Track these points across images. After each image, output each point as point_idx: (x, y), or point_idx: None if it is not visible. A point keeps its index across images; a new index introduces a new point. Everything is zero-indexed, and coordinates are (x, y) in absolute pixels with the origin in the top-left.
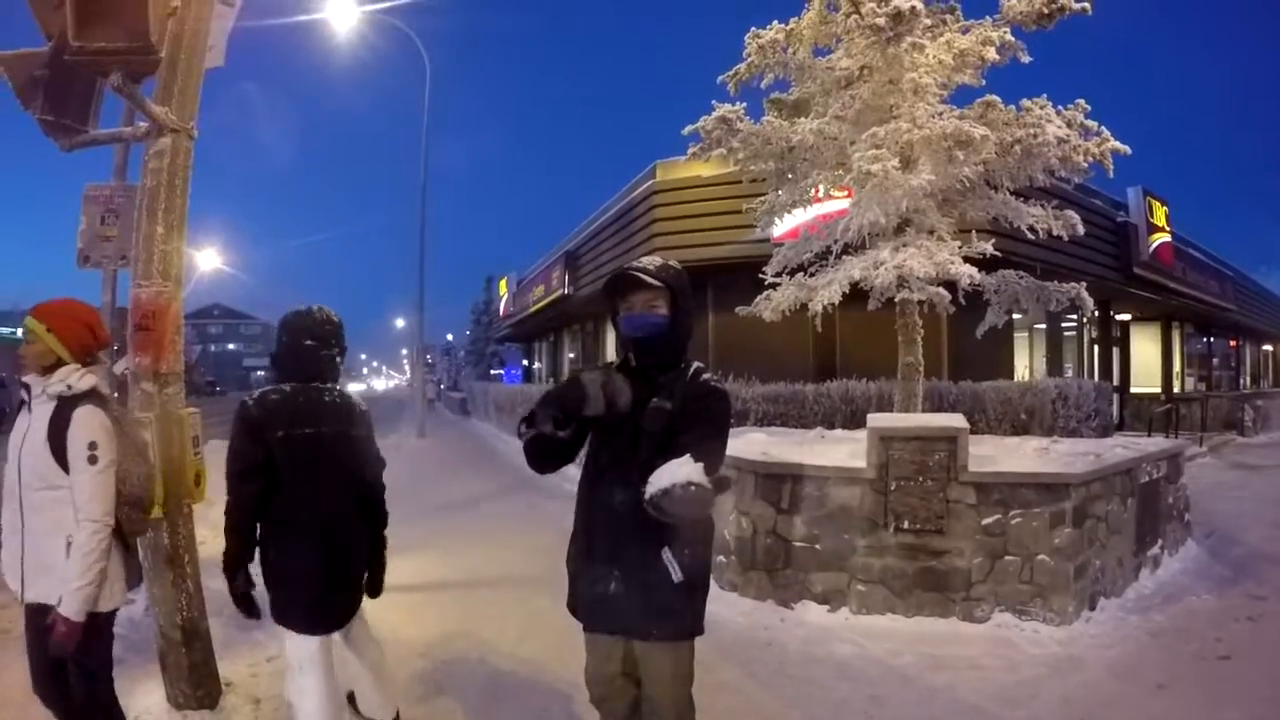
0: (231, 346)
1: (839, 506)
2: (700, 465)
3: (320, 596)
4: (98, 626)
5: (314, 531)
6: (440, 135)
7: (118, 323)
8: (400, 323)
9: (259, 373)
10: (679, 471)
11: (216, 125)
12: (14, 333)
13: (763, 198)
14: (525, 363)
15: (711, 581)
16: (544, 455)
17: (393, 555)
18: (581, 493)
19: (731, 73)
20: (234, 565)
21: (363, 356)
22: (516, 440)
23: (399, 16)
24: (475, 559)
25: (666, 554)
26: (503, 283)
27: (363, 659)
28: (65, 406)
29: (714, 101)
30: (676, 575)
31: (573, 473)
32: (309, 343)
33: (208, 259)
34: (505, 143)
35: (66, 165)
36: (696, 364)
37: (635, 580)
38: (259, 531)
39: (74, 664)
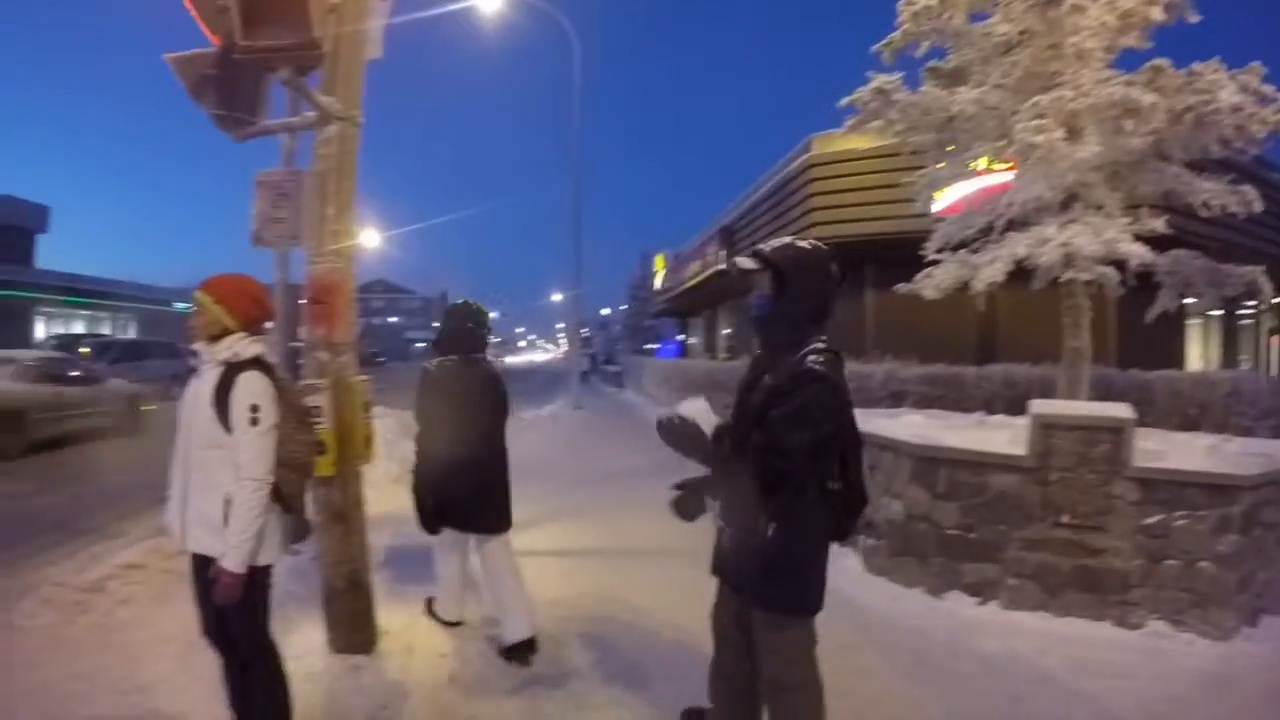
0: (393, 319)
1: (996, 495)
2: (704, 407)
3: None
4: (256, 578)
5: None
6: (595, 110)
7: (288, 298)
8: (557, 297)
9: (419, 344)
10: (682, 405)
11: (376, 107)
12: (189, 307)
13: (922, 171)
14: (681, 337)
15: (862, 568)
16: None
17: (549, 521)
18: None
19: (886, 42)
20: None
21: (519, 330)
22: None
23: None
24: (627, 529)
25: (762, 522)
26: (658, 258)
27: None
28: (231, 372)
29: (869, 72)
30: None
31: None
32: (469, 325)
33: (370, 237)
34: (663, 117)
35: (224, 158)
36: (816, 344)
37: (738, 540)
38: None
39: (235, 611)
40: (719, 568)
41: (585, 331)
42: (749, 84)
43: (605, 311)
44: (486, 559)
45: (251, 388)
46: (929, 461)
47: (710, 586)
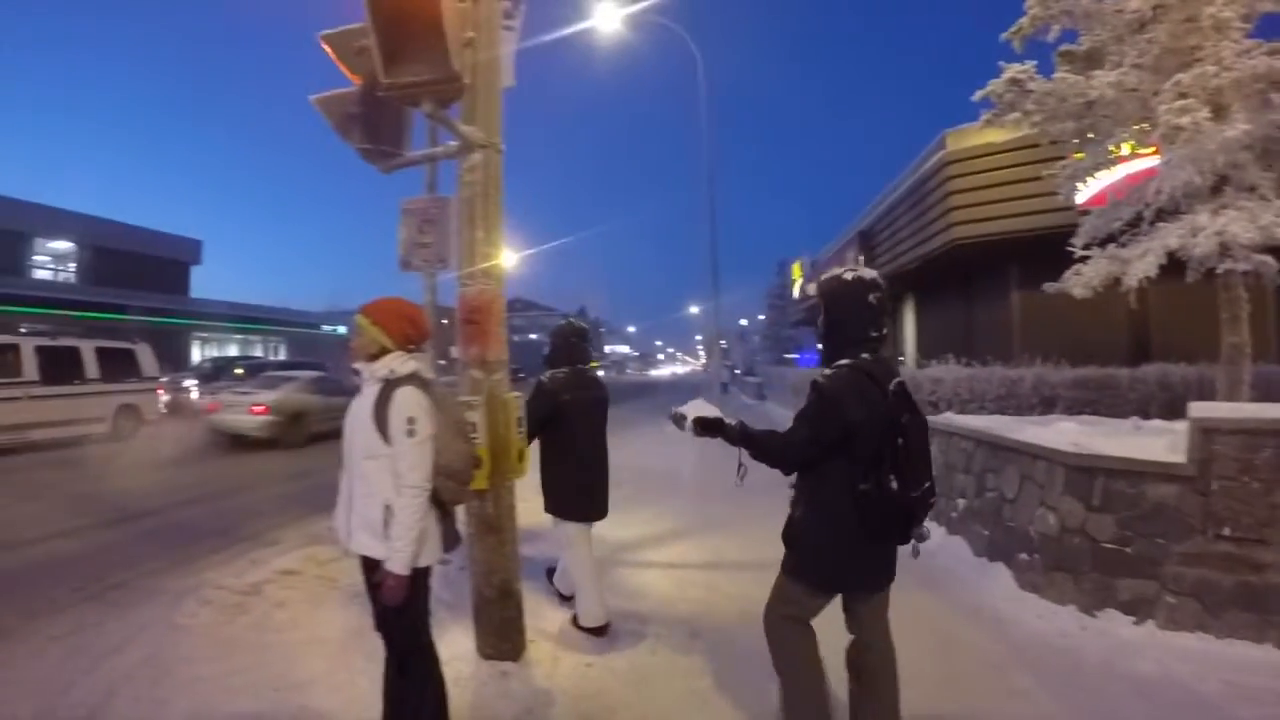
0: (533, 336)
1: (1154, 506)
2: (699, 402)
3: (586, 499)
4: (417, 579)
5: (584, 457)
6: (727, 118)
7: (437, 319)
8: (694, 310)
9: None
10: (687, 406)
11: (512, 130)
12: (335, 329)
13: (1062, 162)
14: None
15: (1013, 583)
16: None
17: (697, 533)
18: None
19: (1014, 29)
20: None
21: (658, 343)
22: None
23: (668, 16)
24: (771, 541)
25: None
26: (795, 266)
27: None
28: (389, 387)
29: (1001, 63)
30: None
31: None
32: (572, 340)
33: (509, 258)
34: (797, 120)
35: (370, 186)
36: (842, 361)
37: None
38: (543, 457)
39: (396, 611)
40: None
41: (723, 343)
42: (885, 80)
43: (743, 322)
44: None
45: (408, 401)
46: (1083, 471)
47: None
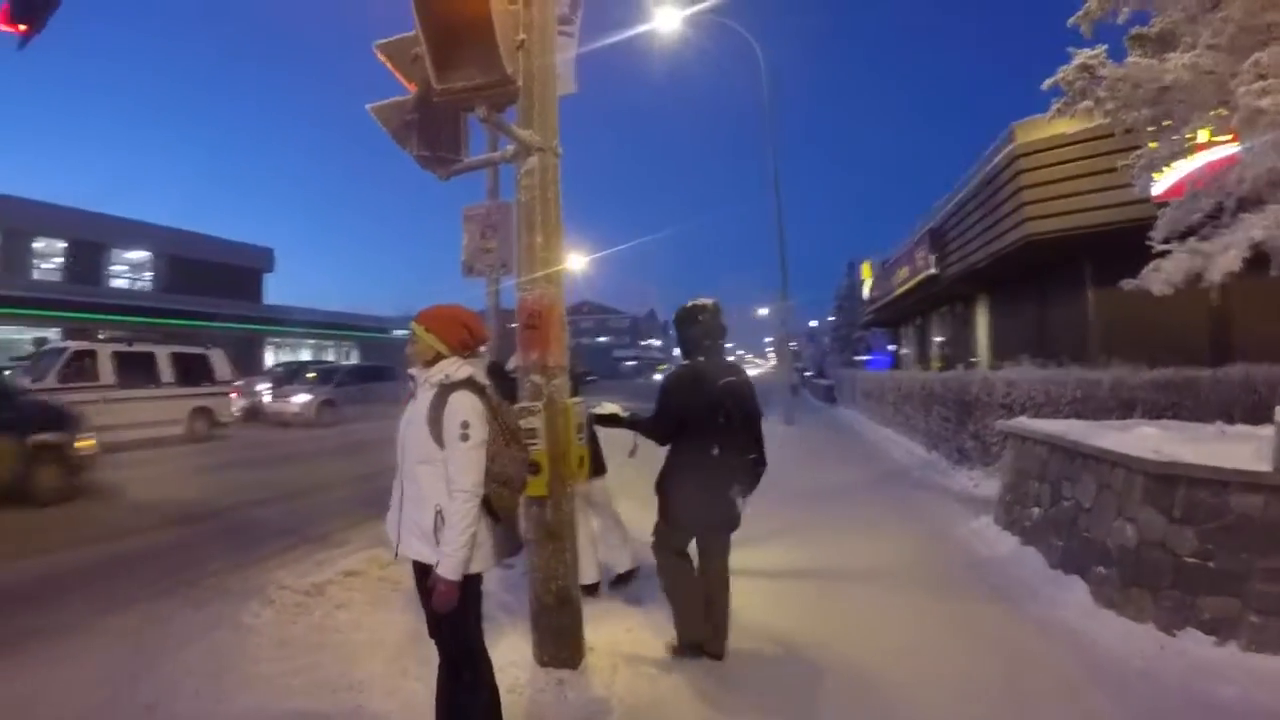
0: (602, 339)
1: (1238, 518)
2: (614, 405)
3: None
4: (469, 585)
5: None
6: (792, 117)
7: (499, 323)
8: (763, 311)
9: (629, 363)
10: (600, 406)
11: (574, 134)
12: (405, 334)
13: (1137, 151)
14: (892, 347)
15: (1089, 598)
16: None
17: (761, 542)
18: None
19: (1082, 12)
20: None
21: (727, 345)
22: (886, 429)
23: (729, 15)
24: (840, 550)
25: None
26: (865, 266)
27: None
28: (444, 392)
29: (1070, 48)
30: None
31: (944, 466)
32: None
33: (575, 261)
34: (863, 121)
35: (435, 192)
36: (682, 363)
37: None
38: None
39: (448, 616)
40: None
41: (794, 345)
42: (957, 74)
43: (812, 324)
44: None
45: (462, 406)
46: (1164, 480)
47: (913, 610)
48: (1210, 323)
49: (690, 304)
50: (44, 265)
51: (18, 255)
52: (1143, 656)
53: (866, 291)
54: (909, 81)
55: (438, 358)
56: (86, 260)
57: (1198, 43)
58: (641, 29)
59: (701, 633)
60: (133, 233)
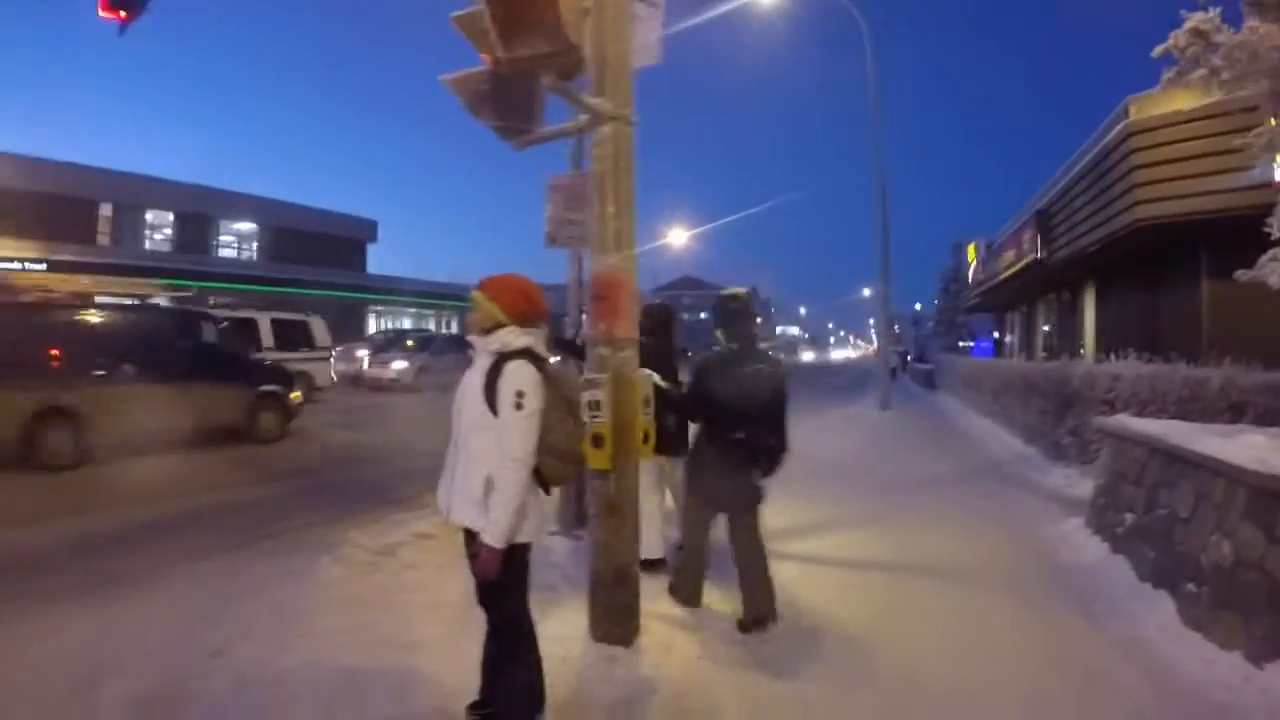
0: (703, 315)
1: None
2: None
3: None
4: (515, 556)
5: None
6: (899, 90)
7: (580, 298)
8: (867, 292)
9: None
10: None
11: (682, 109)
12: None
13: (1257, 130)
14: (995, 334)
15: (1176, 617)
16: None
17: (838, 528)
18: None
19: None
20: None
21: (829, 325)
22: (985, 419)
23: None
24: (918, 543)
25: None
26: (971, 248)
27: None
28: (500, 361)
29: (1183, 11)
30: None
31: (1040, 462)
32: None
33: (677, 235)
34: (971, 96)
35: (530, 163)
36: (714, 348)
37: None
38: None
39: (492, 586)
40: None
41: (896, 327)
42: (1070, 48)
43: (918, 306)
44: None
45: (519, 375)
46: (1269, 495)
47: (983, 613)
48: None
49: (724, 293)
50: (155, 236)
51: (129, 226)
52: (1225, 688)
53: (971, 275)
54: (1025, 51)
55: (497, 326)
56: (196, 232)
57: None
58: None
59: (689, 593)
60: (239, 205)
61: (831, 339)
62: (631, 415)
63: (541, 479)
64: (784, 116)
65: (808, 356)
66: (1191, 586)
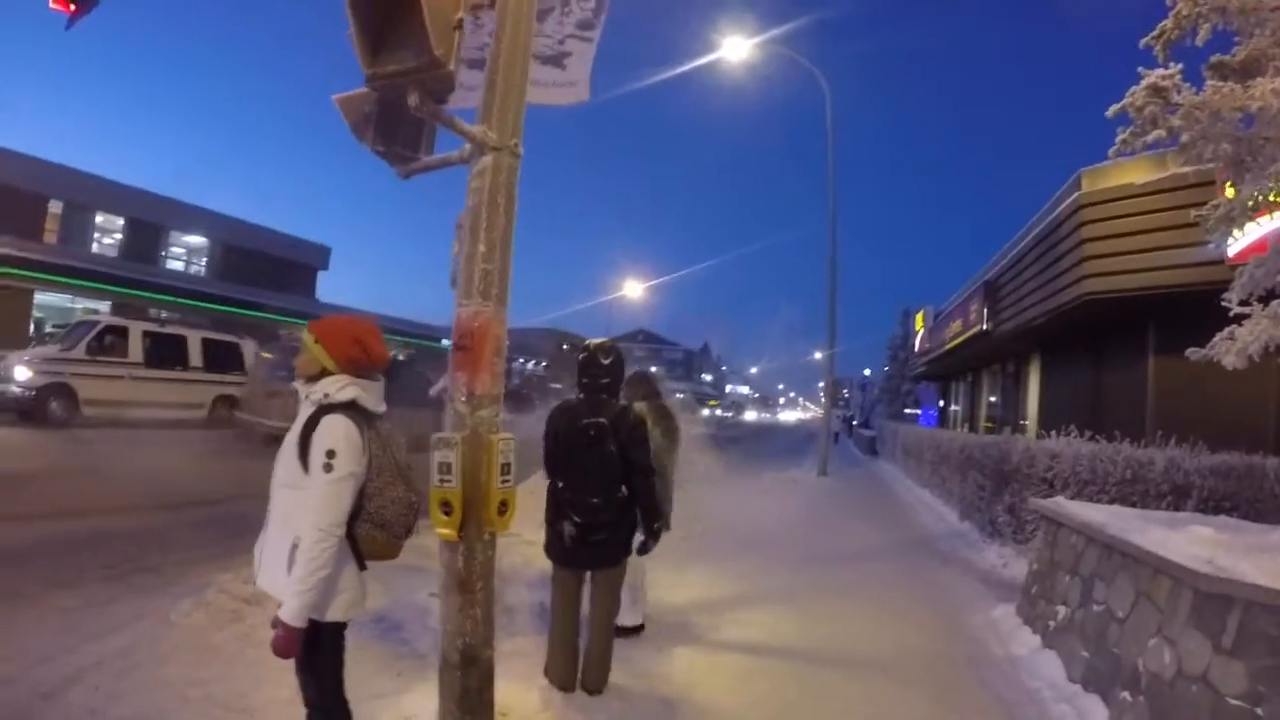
0: (655, 369)
1: None
2: None
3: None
4: (322, 636)
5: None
6: (857, 160)
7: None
8: (818, 355)
9: (679, 394)
10: None
11: (637, 161)
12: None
13: (1215, 201)
14: (942, 403)
15: None
16: None
17: (749, 606)
18: None
19: (1157, 32)
20: None
21: (780, 386)
22: (924, 490)
23: (796, 49)
24: (835, 627)
25: None
26: (919, 316)
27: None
28: (320, 413)
29: (1141, 68)
30: None
31: (975, 539)
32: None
33: (632, 288)
34: (924, 163)
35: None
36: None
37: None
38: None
39: (299, 667)
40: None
41: (845, 392)
42: (1024, 121)
43: (867, 372)
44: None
45: (332, 432)
46: (1218, 600)
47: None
48: (1278, 401)
49: (586, 343)
50: (104, 240)
51: (78, 228)
52: None
53: (918, 343)
54: (983, 124)
55: (323, 373)
56: (145, 240)
57: None
58: (708, 58)
59: (561, 674)
60: (192, 217)
61: (781, 400)
62: (487, 482)
63: (357, 551)
64: (745, 177)
65: (749, 416)
66: (1127, 695)
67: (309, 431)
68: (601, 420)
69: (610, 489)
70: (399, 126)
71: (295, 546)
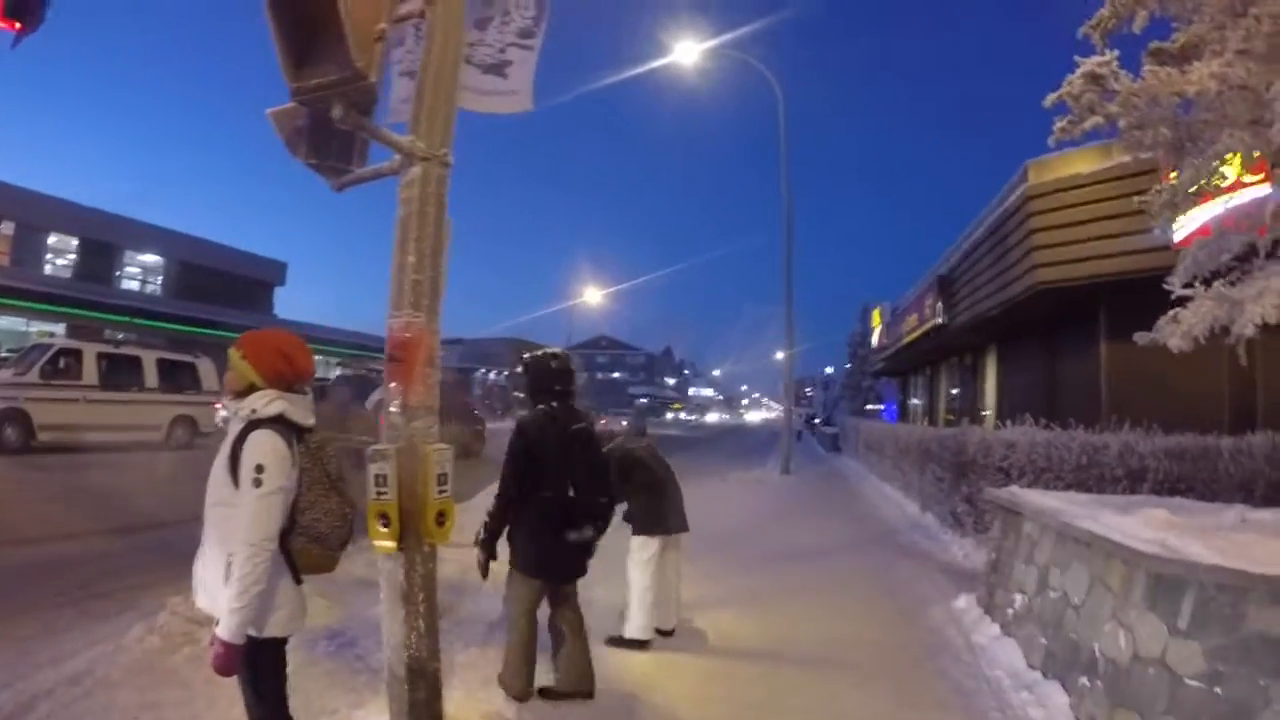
0: (616, 375)
1: (1258, 636)
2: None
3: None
4: (259, 652)
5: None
6: (810, 157)
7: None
8: (780, 355)
9: (641, 399)
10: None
11: (593, 173)
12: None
13: (1158, 187)
14: (901, 397)
15: (1068, 713)
16: None
17: (710, 608)
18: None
19: (1094, 20)
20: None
21: (743, 388)
22: (886, 485)
23: (749, 53)
24: (798, 625)
25: None
26: (876, 312)
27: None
28: (249, 429)
29: (1077, 57)
30: None
31: (935, 531)
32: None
33: (593, 295)
34: (879, 160)
35: (461, 212)
36: (538, 408)
37: None
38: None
39: (241, 683)
40: None
41: (809, 390)
42: (968, 116)
43: (829, 370)
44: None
45: (260, 447)
46: (1172, 582)
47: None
48: (1230, 384)
49: (542, 352)
50: (58, 261)
51: (30, 249)
52: None
53: (875, 339)
54: (937, 114)
55: (251, 388)
56: (99, 260)
57: (1226, 50)
58: (661, 61)
59: (517, 685)
60: (146, 236)
61: (745, 401)
62: (424, 493)
63: (293, 565)
64: (704, 181)
65: (711, 418)
66: (1085, 680)
67: (238, 448)
68: (586, 425)
69: (611, 487)
70: (331, 139)
71: (229, 565)
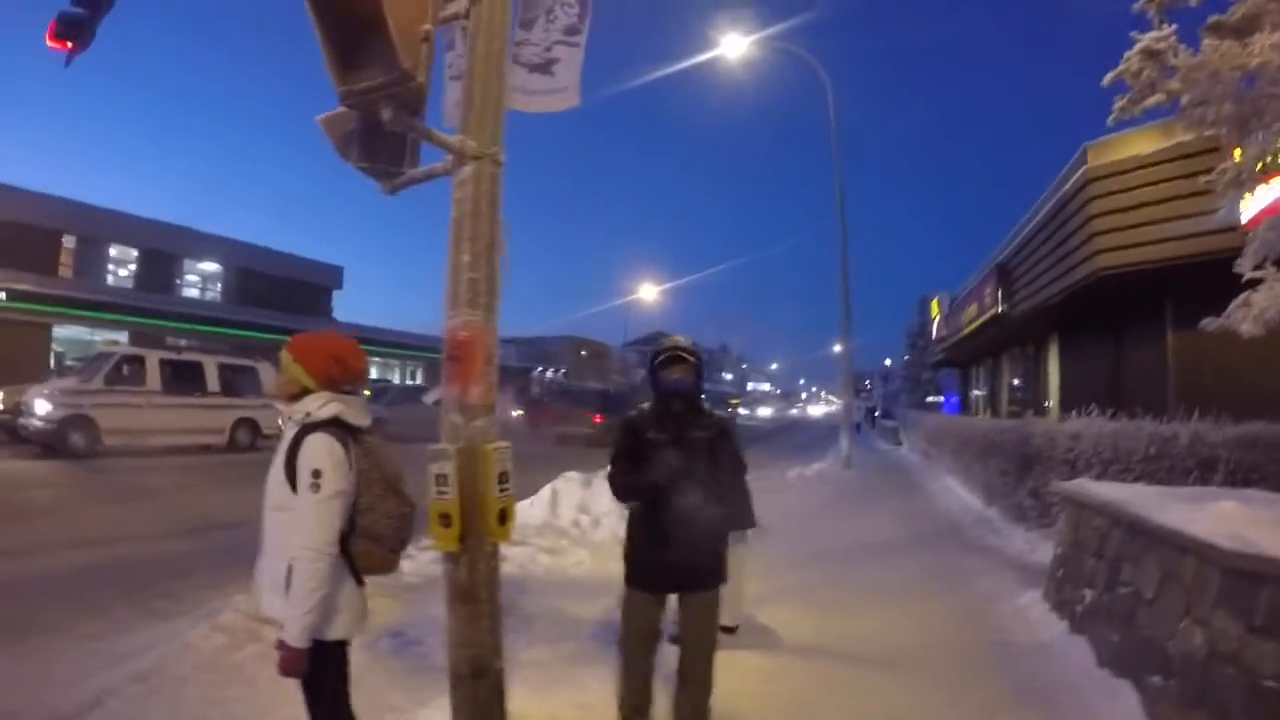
0: None
1: None
2: None
3: None
4: (325, 655)
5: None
6: (866, 147)
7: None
8: (838, 348)
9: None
10: None
11: (651, 169)
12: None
13: (1223, 165)
14: (963, 389)
15: (1140, 713)
16: None
17: (774, 602)
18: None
19: None
20: None
21: (801, 381)
22: (948, 478)
23: (795, 43)
24: (860, 623)
25: None
26: (934, 303)
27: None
28: (303, 433)
29: (1133, 33)
30: None
31: (1000, 525)
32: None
33: (648, 291)
34: (933, 148)
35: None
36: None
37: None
38: None
39: (304, 687)
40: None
41: (868, 383)
42: (1034, 98)
43: (888, 362)
44: None
45: (316, 451)
46: (1247, 577)
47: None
48: None
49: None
50: (120, 272)
51: (93, 261)
52: None
53: (935, 330)
54: (992, 101)
55: (304, 392)
56: (160, 269)
57: None
58: (708, 56)
59: (634, 704)
60: (205, 245)
61: (804, 395)
62: (485, 492)
63: (354, 567)
64: (758, 174)
65: (764, 412)
66: (1158, 679)
67: (294, 452)
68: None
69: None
70: (382, 142)
71: (290, 569)
